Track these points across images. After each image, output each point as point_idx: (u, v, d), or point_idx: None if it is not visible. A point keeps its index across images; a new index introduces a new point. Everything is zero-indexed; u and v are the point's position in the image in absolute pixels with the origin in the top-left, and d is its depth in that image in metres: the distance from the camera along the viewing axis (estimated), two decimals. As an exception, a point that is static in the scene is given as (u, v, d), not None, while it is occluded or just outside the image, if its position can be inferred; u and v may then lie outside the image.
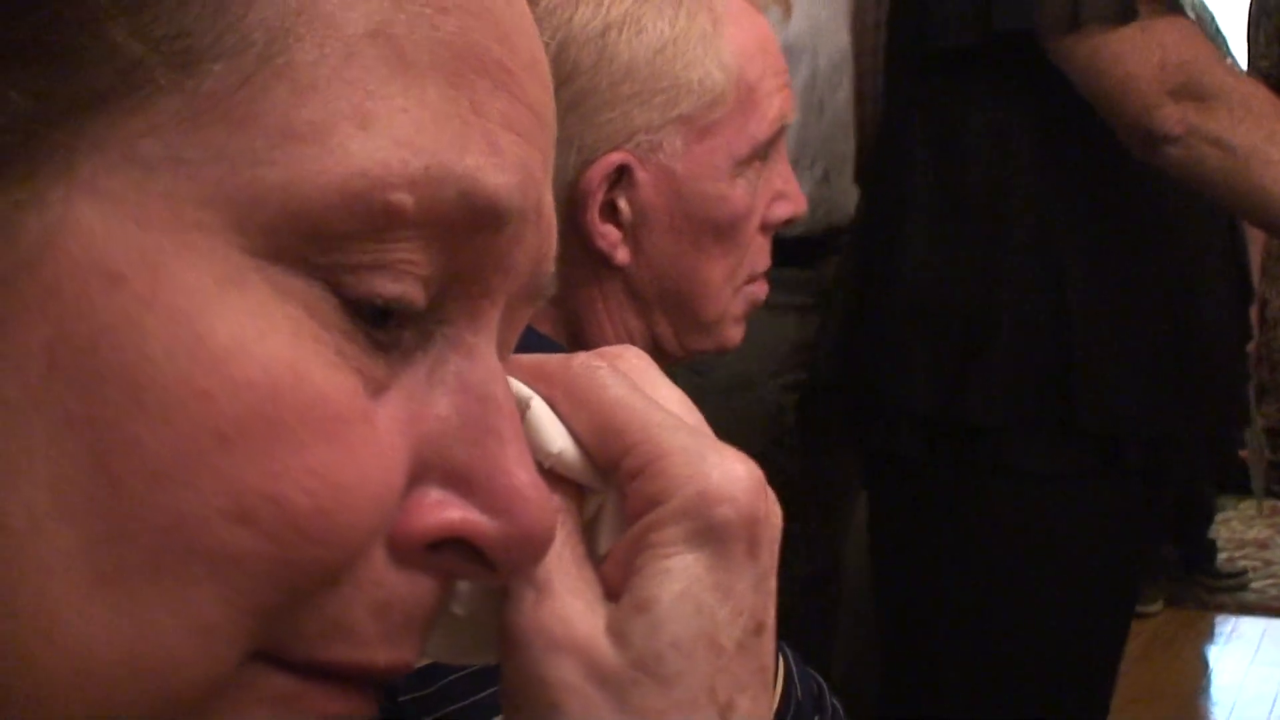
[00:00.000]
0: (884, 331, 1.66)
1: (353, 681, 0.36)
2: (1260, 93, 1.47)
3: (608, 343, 0.98)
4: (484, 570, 0.37)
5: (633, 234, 0.96)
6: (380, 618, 0.35)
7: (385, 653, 0.36)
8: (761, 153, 0.99)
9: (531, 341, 0.95)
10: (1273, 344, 2.60)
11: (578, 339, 0.99)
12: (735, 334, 1.05)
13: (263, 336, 0.32)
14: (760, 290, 1.05)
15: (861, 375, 1.71)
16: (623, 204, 0.95)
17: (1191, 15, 1.50)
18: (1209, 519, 4.51)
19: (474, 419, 0.37)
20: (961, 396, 1.57)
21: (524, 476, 0.37)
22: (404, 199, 0.33)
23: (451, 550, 0.36)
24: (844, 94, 2.06)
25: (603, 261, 0.97)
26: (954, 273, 1.60)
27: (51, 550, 0.31)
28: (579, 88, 0.92)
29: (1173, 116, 1.42)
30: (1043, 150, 1.58)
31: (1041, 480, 1.59)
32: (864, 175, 1.89)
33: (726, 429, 1.48)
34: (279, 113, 0.32)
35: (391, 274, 0.34)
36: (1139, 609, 3.23)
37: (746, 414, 1.97)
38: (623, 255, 0.96)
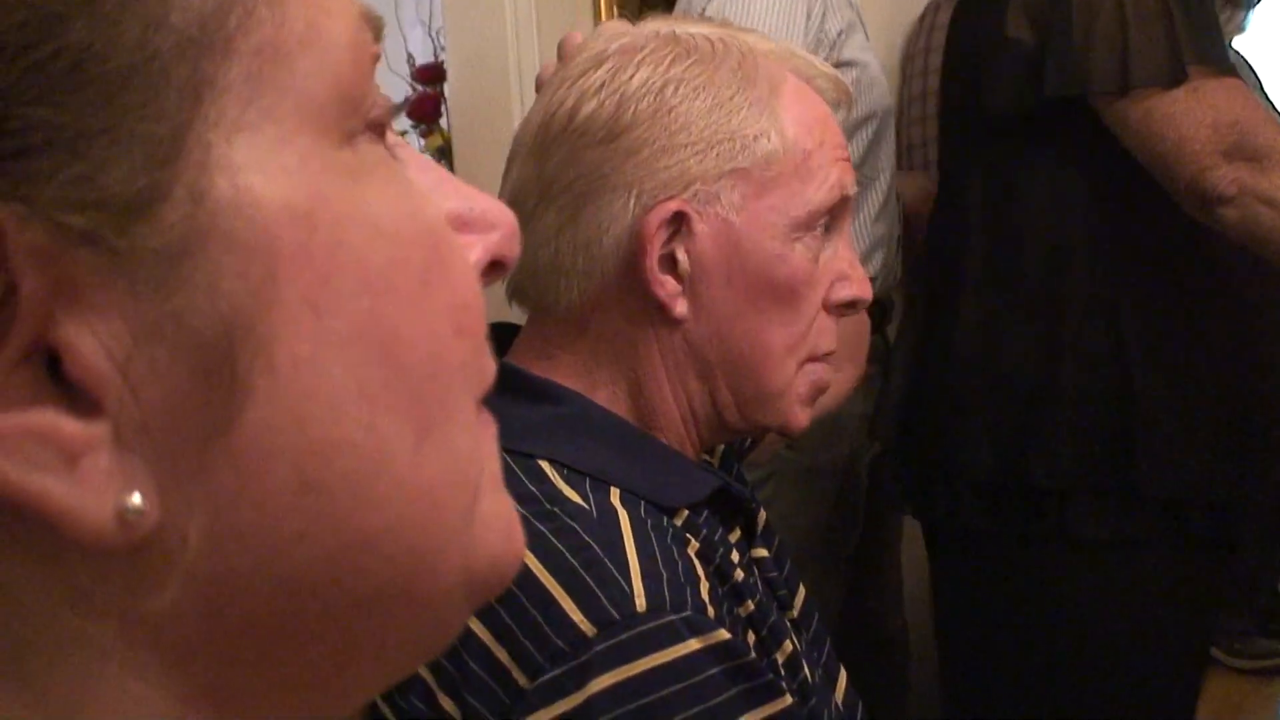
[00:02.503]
0: (944, 398, 1.67)
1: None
2: None
3: (668, 405, 1.00)
4: (500, 273, 0.47)
5: (691, 286, 0.97)
6: (488, 345, 0.45)
7: (493, 365, 0.46)
8: (819, 221, 1.00)
9: (593, 414, 0.97)
10: None
11: (638, 401, 1.00)
12: (801, 416, 1.04)
13: (396, 199, 0.41)
14: (826, 373, 1.05)
15: (922, 442, 1.72)
16: (681, 255, 0.96)
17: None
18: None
19: (433, 180, 0.46)
20: (1023, 462, 1.58)
21: (482, 196, 0.47)
22: (370, 40, 0.42)
23: (483, 272, 0.46)
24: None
25: (662, 316, 0.97)
26: (1014, 339, 1.61)
27: (387, 437, 0.39)
28: (637, 136, 0.95)
29: (1226, 177, 1.44)
30: (1101, 214, 1.59)
31: (1105, 548, 1.59)
32: (921, 240, 1.91)
33: (801, 500, 1.53)
34: (290, 35, 0.38)
35: (383, 101, 0.42)
36: (1211, 670, 3.19)
37: (818, 485, 1.99)
38: (681, 308, 0.97)
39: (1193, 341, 1.58)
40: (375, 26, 0.42)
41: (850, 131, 2.02)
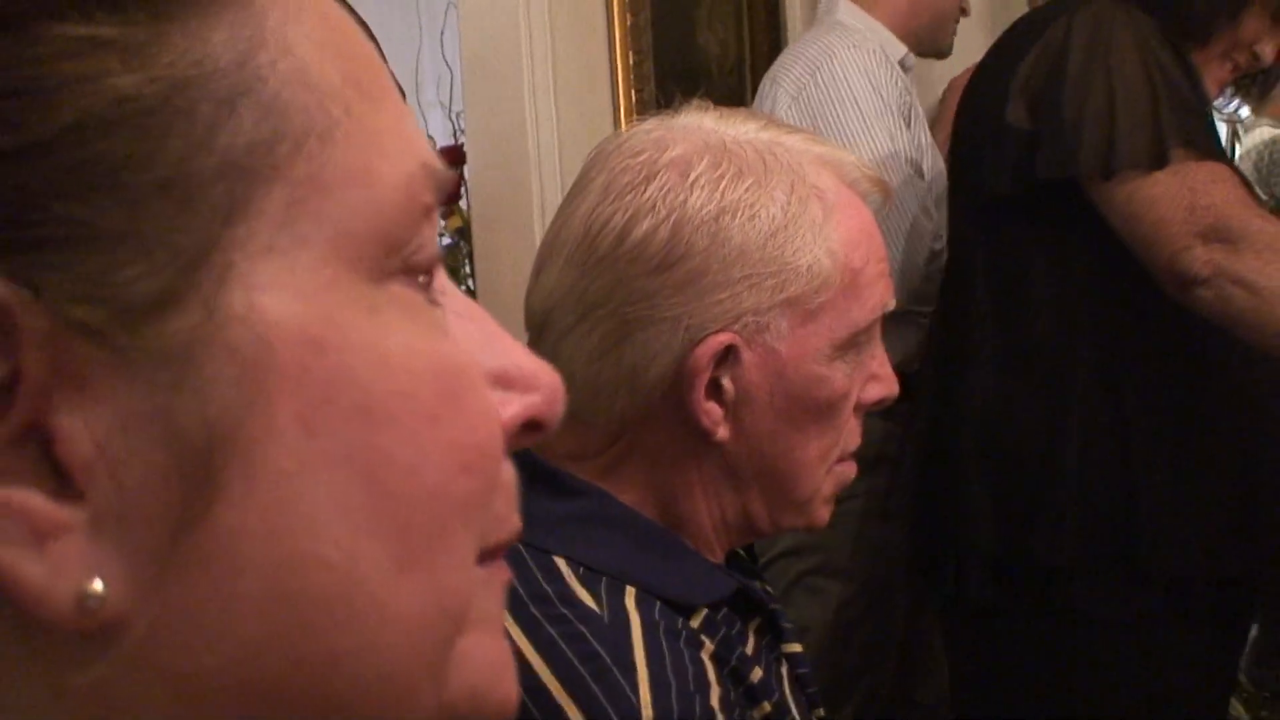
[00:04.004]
0: (953, 474, 1.69)
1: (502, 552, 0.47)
2: None
3: (700, 517, 1.00)
4: (537, 434, 0.48)
5: (734, 411, 0.97)
6: (510, 499, 0.47)
7: (516, 521, 0.47)
8: (860, 337, 1.01)
9: (614, 510, 0.96)
10: None
11: (670, 511, 1.00)
12: (825, 513, 1.05)
13: (415, 338, 0.41)
14: (850, 470, 1.06)
15: (932, 517, 1.75)
16: (726, 382, 0.96)
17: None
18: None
19: (482, 334, 0.46)
20: (1027, 538, 1.60)
21: (530, 357, 0.48)
22: (429, 195, 0.43)
23: (517, 431, 0.46)
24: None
25: (702, 438, 0.97)
26: (1020, 416, 1.64)
27: (365, 561, 0.40)
28: (691, 268, 0.93)
29: (1200, 258, 1.47)
30: (1104, 294, 1.63)
31: (1113, 625, 1.60)
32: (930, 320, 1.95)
33: (843, 586, 1.50)
34: (339, 170, 0.39)
35: (429, 248, 0.43)
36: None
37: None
38: (723, 433, 0.97)
39: (1195, 419, 1.61)
40: (437, 178, 0.43)
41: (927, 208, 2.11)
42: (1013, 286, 1.68)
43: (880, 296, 1.02)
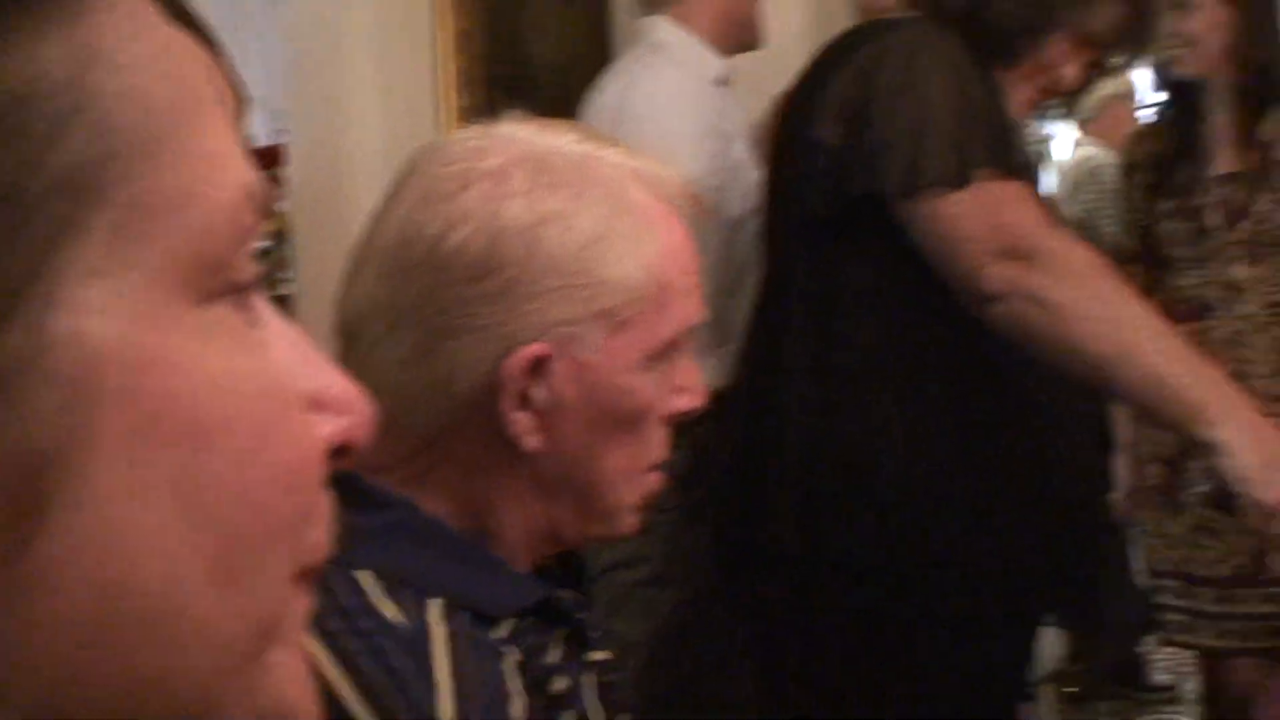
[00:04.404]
0: (763, 482, 1.72)
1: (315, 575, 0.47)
2: (1081, 253, 1.58)
3: (508, 528, 1.00)
4: (346, 459, 0.47)
5: (544, 422, 0.97)
6: (325, 523, 0.47)
7: (329, 545, 0.47)
8: (670, 349, 1.02)
9: (419, 521, 0.95)
10: (1138, 485, 2.73)
11: (478, 521, 1.00)
12: (632, 522, 1.06)
13: (240, 361, 0.41)
14: (655, 481, 1.07)
15: (742, 524, 1.78)
16: (537, 393, 0.96)
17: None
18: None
19: (297, 354, 0.46)
20: (835, 541, 1.65)
21: (343, 380, 0.48)
22: (251, 216, 0.43)
23: (328, 454, 0.46)
24: None
25: (512, 448, 0.97)
26: (831, 427, 1.68)
27: (188, 586, 0.40)
28: (505, 278, 0.93)
29: (997, 275, 1.52)
30: (913, 309, 1.68)
31: (913, 626, 1.66)
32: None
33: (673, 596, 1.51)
34: (167, 192, 0.39)
35: (250, 268, 0.43)
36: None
37: None
38: (533, 442, 0.97)
39: (996, 428, 1.68)
40: (260, 199, 0.44)
41: (737, 225, 2.12)
42: (827, 301, 1.72)
43: (691, 310, 1.03)
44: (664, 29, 2.36)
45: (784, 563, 1.70)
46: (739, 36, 2.41)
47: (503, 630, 0.96)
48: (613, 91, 2.27)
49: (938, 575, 1.64)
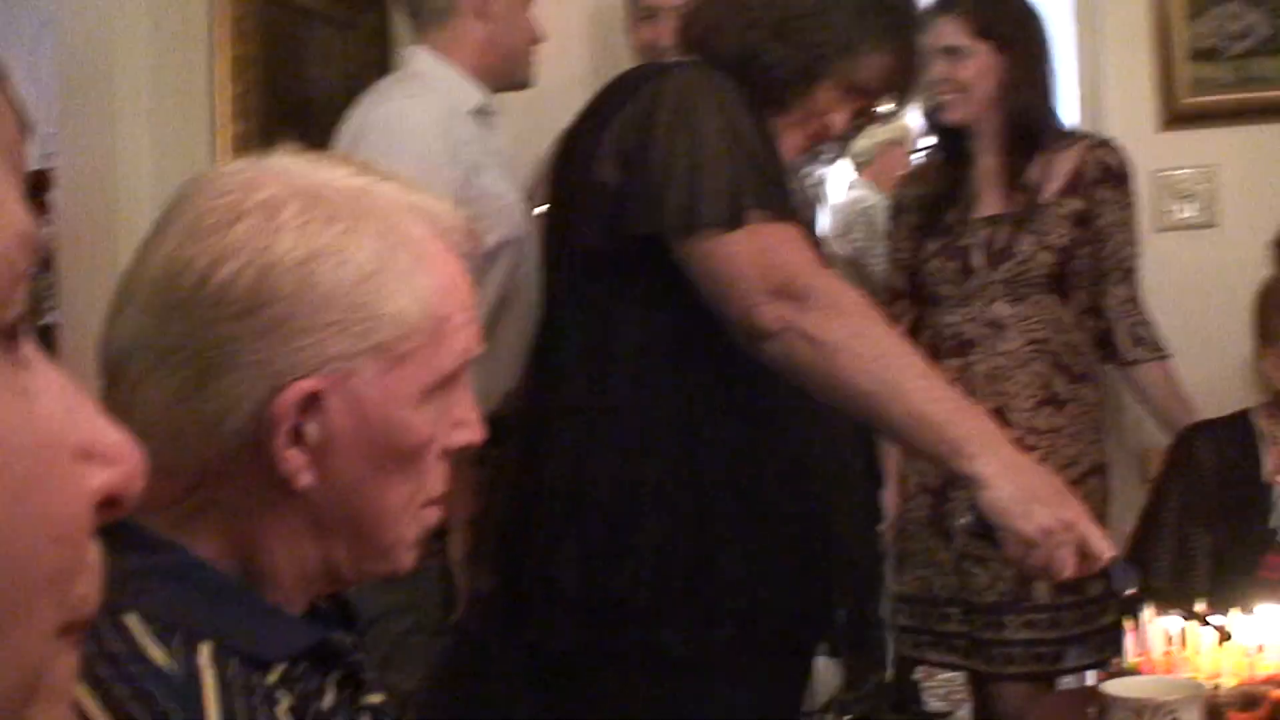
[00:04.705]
0: (538, 521, 1.73)
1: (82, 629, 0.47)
2: (851, 294, 1.63)
3: (282, 569, 0.98)
4: (115, 511, 0.47)
5: (318, 459, 0.95)
6: (94, 577, 0.47)
7: (97, 599, 0.47)
8: (447, 384, 1.02)
9: (189, 564, 0.93)
10: (908, 515, 2.82)
11: (249, 562, 0.98)
12: (409, 559, 1.05)
13: (4, 408, 0.41)
14: (433, 516, 1.06)
15: (519, 565, 1.77)
16: (310, 429, 0.94)
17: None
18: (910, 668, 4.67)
19: (65, 401, 0.45)
20: (610, 581, 1.65)
21: (112, 430, 0.47)
22: (25, 261, 0.43)
23: (96, 506, 0.46)
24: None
25: (283, 486, 0.95)
26: (604, 466, 1.69)
27: None
28: (276, 313, 0.92)
29: (770, 314, 1.56)
30: (685, 348, 1.71)
31: (689, 664, 1.67)
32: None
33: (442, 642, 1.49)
34: None
35: (18, 309, 0.43)
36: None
37: None
38: (306, 480, 0.95)
39: (765, 467, 1.71)
40: (33, 244, 0.43)
41: (491, 257, 2.10)
42: (600, 340, 1.74)
43: (466, 343, 1.03)
44: (422, 59, 2.39)
45: (563, 604, 1.70)
46: (506, 71, 2.43)
47: (273, 676, 0.94)
48: (356, 115, 2.28)
49: (711, 612, 1.66)
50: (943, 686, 4.80)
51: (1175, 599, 1.89)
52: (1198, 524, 2.11)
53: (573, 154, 1.82)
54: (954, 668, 2.89)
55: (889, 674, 4.27)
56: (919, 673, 4.62)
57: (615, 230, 1.67)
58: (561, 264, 1.83)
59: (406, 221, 0.99)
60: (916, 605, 2.79)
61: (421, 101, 2.26)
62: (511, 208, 2.29)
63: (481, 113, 2.38)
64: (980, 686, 2.97)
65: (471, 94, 2.36)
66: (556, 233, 1.86)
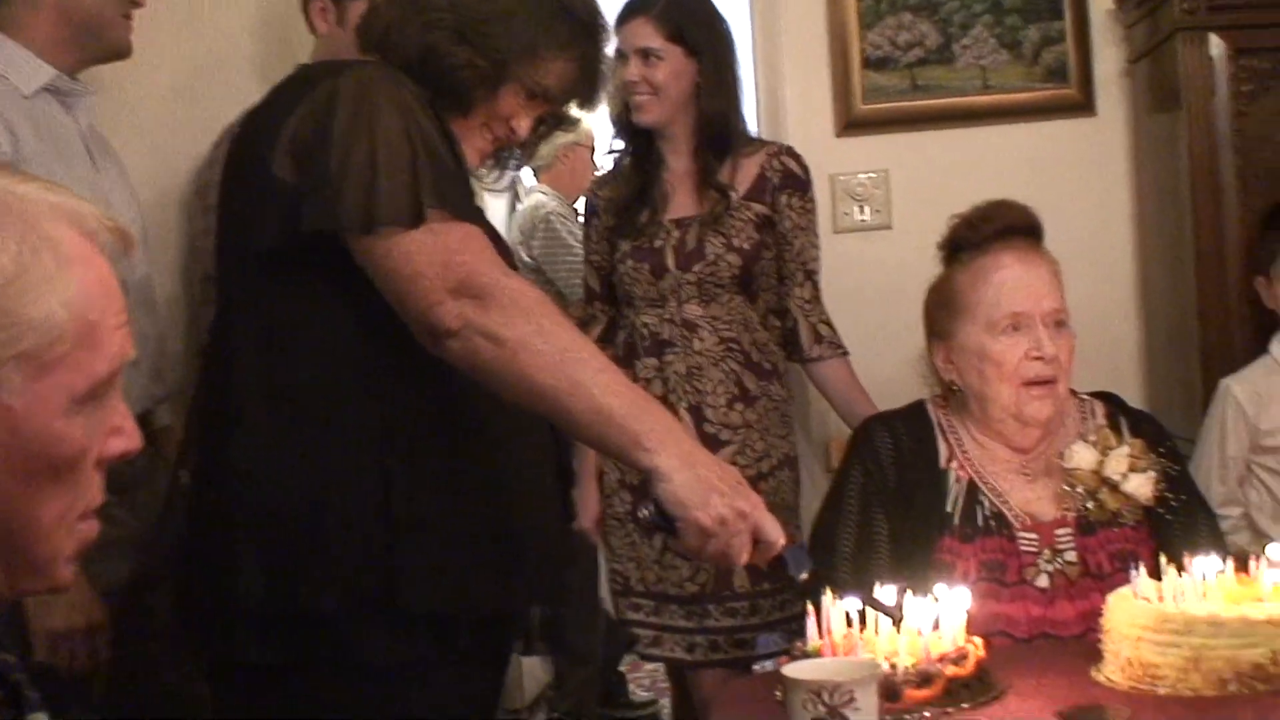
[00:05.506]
0: (218, 527, 1.69)
1: None
2: (530, 292, 1.64)
3: None
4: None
5: None
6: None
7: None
8: (100, 390, 0.98)
9: None
10: (609, 512, 2.87)
11: None
12: (68, 573, 1.02)
13: None
14: (92, 529, 1.02)
15: (200, 573, 1.73)
16: None
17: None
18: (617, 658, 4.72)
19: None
20: (294, 589, 1.62)
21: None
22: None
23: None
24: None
25: None
26: (284, 467, 1.66)
27: None
28: None
29: (451, 312, 1.56)
30: (368, 345, 1.69)
31: (382, 672, 1.66)
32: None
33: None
34: None
35: None
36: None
37: None
38: None
39: (454, 467, 1.70)
40: None
41: None
42: (279, 341, 1.70)
43: (120, 347, 1.00)
44: None
45: (250, 617, 1.66)
46: (89, 45, 2.33)
47: None
48: None
49: (401, 617, 1.65)
50: (648, 677, 4.90)
51: (857, 582, 1.97)
52: (878, 509, 2.20)
53: (246, 152, 1.78)
54: (655, 659, 2.96)
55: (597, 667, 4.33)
56: (625, 664, 4.71)
57: (293, 228, 1.63)
58: (237, 262, 1.78)
59: (50, 223, 0.96)
60: (616, 600, 2.87)
61: None
62: (103, 190, 2.25)
63: (56, 90, 2.29)
64: (679, 676, 3.06)
65: (41, 70, 2.26)
66: (233, 232, 1.81)
